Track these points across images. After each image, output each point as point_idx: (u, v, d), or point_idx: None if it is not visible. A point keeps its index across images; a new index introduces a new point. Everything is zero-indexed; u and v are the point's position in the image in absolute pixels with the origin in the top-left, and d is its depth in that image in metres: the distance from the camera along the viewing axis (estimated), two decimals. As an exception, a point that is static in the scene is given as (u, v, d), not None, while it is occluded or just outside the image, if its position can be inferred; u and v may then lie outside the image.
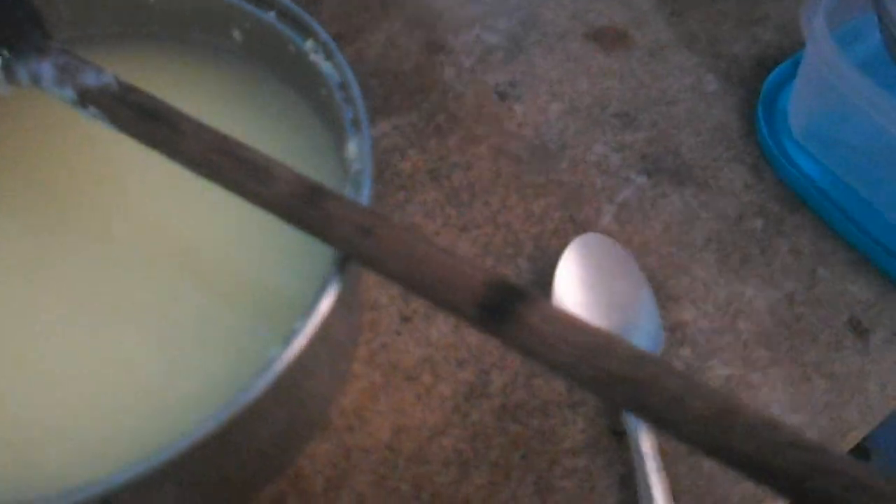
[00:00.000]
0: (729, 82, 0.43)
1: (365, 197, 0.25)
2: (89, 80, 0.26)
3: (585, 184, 0.39)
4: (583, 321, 0.22)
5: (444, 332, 0.35)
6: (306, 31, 0.30)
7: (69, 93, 0.26)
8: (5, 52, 0.27)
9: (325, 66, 0.29)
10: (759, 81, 0.42)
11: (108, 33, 0.34)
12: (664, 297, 0.35)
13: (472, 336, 0.34)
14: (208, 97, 0.33)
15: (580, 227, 0.37)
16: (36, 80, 0.26)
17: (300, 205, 0.23)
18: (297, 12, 0.30)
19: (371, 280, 0.35)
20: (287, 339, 0.23)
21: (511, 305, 0.22)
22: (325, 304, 0.23)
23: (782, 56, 0.44)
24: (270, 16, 0.31)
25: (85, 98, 0.25)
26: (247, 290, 0.29)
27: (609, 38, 0.44)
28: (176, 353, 0.28)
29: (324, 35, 0.29)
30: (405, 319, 0.35)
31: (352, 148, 0.27)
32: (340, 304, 0.24)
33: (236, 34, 0.33)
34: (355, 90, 0.28)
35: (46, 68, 0.26)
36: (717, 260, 0.37)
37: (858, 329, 0.35)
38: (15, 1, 0.28)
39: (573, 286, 0.34)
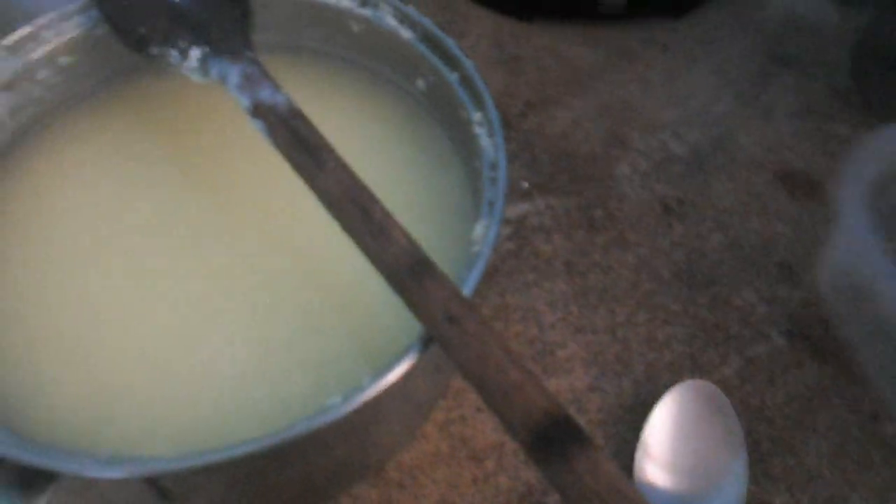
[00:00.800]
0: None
1: (471, 281, 0.25)
2: (265, 94, 0.27)
3: (720, 326, 0.37)
4: (633, 491, 0.21)
5: (524, 426, 0.34)
6: (479, 103, 0.30)
7: (245, 101, 0.27)
8: (207, 49, 0.29)
9: (485, 141, 0.30)
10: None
11: (307, 47, 0.36)
12: (760, 472, 0.33)
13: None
14: (373, 125, 0.35)
15: (698, 370, 0.36)
16: (223, 79, 0.28)
17: (404, 274, 0.23)
18: (477, 83, 0.30)
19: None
20: (367, 383, 0.23)
21: (564, 445, 0.21)
22: (411, 360, 0.24)
23: None
24: (454, 77, 0.31)
25: (256, 110, 0.27)
26: (351, 317, 0.30)
27: (800, 184, 0.41)
28: (264, 356, 0.29)
29: (493, 113, 0.29)
30: (491, 400, 0.35)
31: (479, 229, 0.27)
32: (428, 365, 0.24)
33: (420, 83, 0.34)
34: (503, 175, 0.28)
35: (234, 73, 0.28)
36: (833, 453, 0.34)
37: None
38: (231, 8, 0.31)
39: (665, 430, 0.32)
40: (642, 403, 0.34)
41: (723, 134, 0.43)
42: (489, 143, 0.29)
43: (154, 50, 0.31)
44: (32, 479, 0.23)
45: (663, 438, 0.32)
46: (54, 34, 0.33)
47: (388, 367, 0.24)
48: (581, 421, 0.34)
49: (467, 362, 0.23)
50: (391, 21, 0.33)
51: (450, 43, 0.32)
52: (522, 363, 0.23)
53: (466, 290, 0.25)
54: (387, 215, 0.25)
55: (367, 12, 0.34)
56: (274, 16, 0.35)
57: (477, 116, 0.30)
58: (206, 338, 0.29)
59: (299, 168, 0.26)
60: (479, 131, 0.30)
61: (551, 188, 0.40)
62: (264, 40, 0.36)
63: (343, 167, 0.26)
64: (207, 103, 0.34)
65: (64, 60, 0.34)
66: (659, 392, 0.34)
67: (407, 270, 0.24)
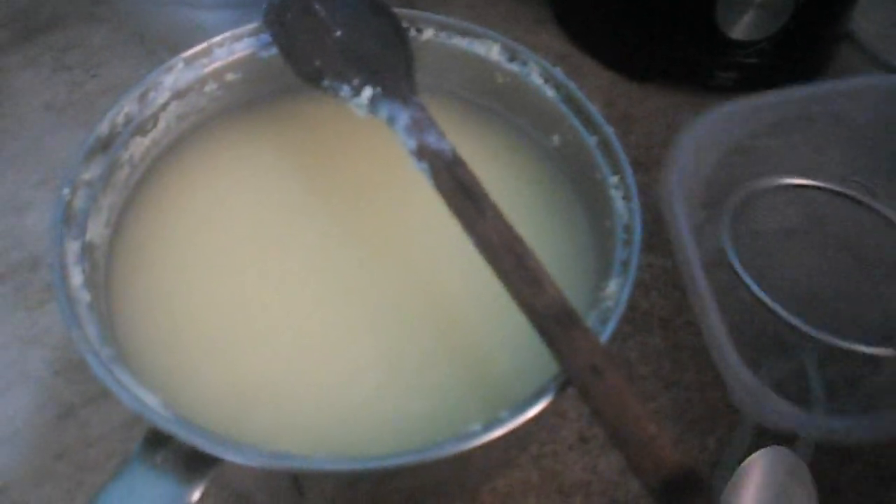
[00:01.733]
0: None
1: (606, 335, 0.28)
2: (431, 140, 0.30)
3: (803, 398, 0.39)
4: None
5: (612, 468, 0.36)
6: (616, 167, 0.33)
7: (411, 143, 0.30)
8: (379, 90, 0.32)
9: (620, 204, 0.32)
10: None
11: (451, 90, 0.39)
12: (832, 543, 0.35)
13: (635, 484, 0.36)
14: (506, 174, 0.37)
15: (780, 433, 0.37)
16: (391, 121, 0.31)
17: (552, 324, 0.26)
18: (616, 149, 0.33)
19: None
20: (506, 416, 0.26)
21: (691, 496, 0.23)
22: (548, 401, 0.26)
23: None
24: (592, 140, 0.34)
25: (421, 153, 0.30)
26: (474, 355, 0.32)
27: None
28: (396, 375, 0.31)
29: (630, 178, 0.32)
30: (583, 440, 0.37)
31: (612, 286, 0.30)
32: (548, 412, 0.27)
33: (556, 139, 0.36)
34: (637, 237, 0.30)
35: (403, 116, 0.31)
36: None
37: None
38: (399, 53, 0.33)
39: (747, 495, 0.34)
40: (725, 462, 0.36)
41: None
42: (624, 206, 0.32)
43: (326, 83, 0.33)
44: (198, 461, 0.26)
45: (744, 499, 0.34)
46: (226, 52, 0.36)
47: (528, 403, 0.26)
48: (664, 471, 0.36)
49: (606, 412, 0.25)
50: (537, 79, 0.36)
51: (592, 108, 0.34)
52: (656, 418, 0.25)
53: (603, 341, 0.28)
54: (539, 266, 0.27)
55: (514, 67, 0.36)
56: (425, 59, 0.38)
57: (613, 180, 0.33)
58: (344, 350, 0.32)
59: (459, 212, 0.29)
60: (615, 194, 0.32)
61: (652, 246, 0.43)
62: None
63: (501, 217, 0.28)
64: (357, 132, 0.37)
65: (230, 76, 0.37)
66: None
67: (555, 320, 0.26)
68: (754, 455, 0.35)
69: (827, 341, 0.37)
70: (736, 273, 0.39)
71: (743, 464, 0.35)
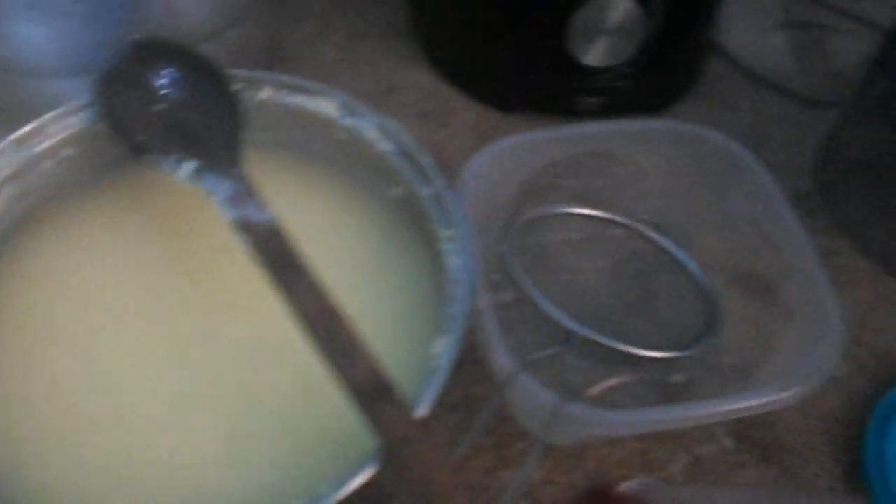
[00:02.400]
0: (861, 372, 0.42)
1: (428, 397, 0.28)
2: (250, 211, 0.30)
3: (672, 424, 0.39)
4: None
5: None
6: (449, 221, 0.33)
7: (231, 215, 0.30)
8: (199, 163, 0.32)
9: (452, 259, 0.32)
10: (892, 383, 0.41)
11: (292, 146, 0.38)
12: (698, 570, 0.35)
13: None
14: (348, 228, 0.37)
15: (648, 466, 0.38)
16: (211, 193, 0.31)
17: (363, 395, 0.26)
18: (448, 202, 0.33)
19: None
20: (325, 491, 0.26)
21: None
22: (367, 475, 0.26)
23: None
24: (427, 192, 0.34)
25: (241, 225, 0.30)
26: (322, 420, 0.32)
27: (753, 285, 0.44)
28: (239, 450, 0.31)
29: (464, 232, 0.32)
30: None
31: (439, 345, 0.30)
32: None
33: (396, 192, 0.36)
34: (466, 294, 0.30)
35: (223, 188, 0.30)
36: (769, 554, 0.36)
37: None
38: (225, 121, 0.33)
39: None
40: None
41: (685, 234, 0.45)
42: (455, 261, 0.32)
43: (150, 157, 0.33)
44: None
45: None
46: (60, 128, 0.36)
47: (346, 478, 0.26)
48: (535, 512, 0.36)
49: (416, 484, 0.25)
50: (372, 133, 0.36)
51: (426, 160, 0.34)
52: (464, 490, 0.25)
53: (423, 406, 0.28)
54: (352, 338, 0.27)
55: (350, 122, 0.36)
56: (266, 117, 0.38)
57: (447, 234, 0.33)
58: (185, 426, 0.31)
59: (276, 285, 0.28)
60: (448, 248, 0.32)
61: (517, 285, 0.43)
62: (252, 138, 0.38)
63: (316, 288, 0.28)
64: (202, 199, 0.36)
65: (66, 152, 0.36)
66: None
67: (366, 393, 0.26)
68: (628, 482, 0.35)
69: (590, 337, 0.38)
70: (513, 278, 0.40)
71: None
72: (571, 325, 0.39)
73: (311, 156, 0.38)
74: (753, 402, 0.34)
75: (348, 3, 0.56)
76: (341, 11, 0.55)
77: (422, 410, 0.27)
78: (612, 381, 0.41)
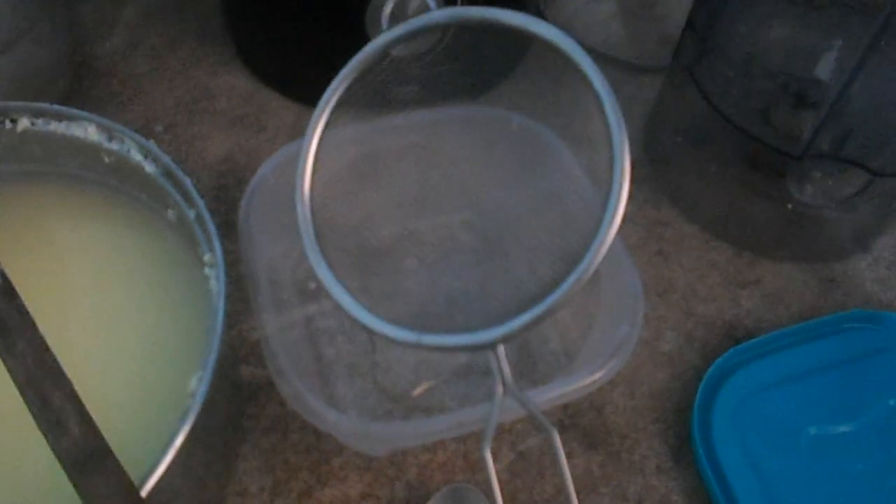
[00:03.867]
0: (689, 345, 0.41)
1: (179, 438, 0.26)
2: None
3: (495, 420, 0.38)
4: None
5: (297, 540, 0.35)
6: (210, 243, 0.31)
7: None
8: None
9: (213, 284, 0.30)
10: (721, 352, 0.40)
11: (67, 173, 0.36)
12: (521, 570, 0.34)
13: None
14: (123, 252, 0.35)
15: (469, 467, 0.37)
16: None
17: (74, 466, 0.24)
18: (207, 222, 0.31)
19: (245, 467, 0.36)
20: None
21: None
22: None
23: (757, 330, 0.42)
24: (191, 214, 0.32)
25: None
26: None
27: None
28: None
29: (220, 256, 0.30)
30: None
31: (194, 381, 0.28)
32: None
33: (171, 213, 0.34)
34: (219, 325, 0.29)
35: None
36: (595, 544, 0.35)
37: None
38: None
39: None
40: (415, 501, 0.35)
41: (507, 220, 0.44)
42: (216, 285, 0.30)
43: None
44: None
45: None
46: None
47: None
48: (354, 530, 0.35)
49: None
50: (137, 155, 0.34)
51: (187, 181, 0.32)
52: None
53: (168, 453, 0.26)
54: (68, 402, 0.25)
55: (114, 146, 0.34)
56: (32, 147, 0.35)
57: (207, 257, 0.31)
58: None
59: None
60: (210, 272, 0.31)
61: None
62: (26, 169, 0.36)
63: (34, 350, 0.26)
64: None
65: None
66: (431, 494, 0.35)
67: (76, 463, 0.24)
68: (432, 498, 0.34)
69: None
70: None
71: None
72: (388, 330, 0.37)
73: (88, 181, 0.36)
74: (565, 389, 0.34)
75: (161, 9, 0.53)
76: (153, 19, 0.53)
77: (174, 448, 0.26)
78: (435, 381, 0.40)
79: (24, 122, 0.35)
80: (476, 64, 0.49)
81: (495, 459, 0.37)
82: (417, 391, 0.39)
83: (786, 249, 0.45)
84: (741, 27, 0.44)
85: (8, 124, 0.35)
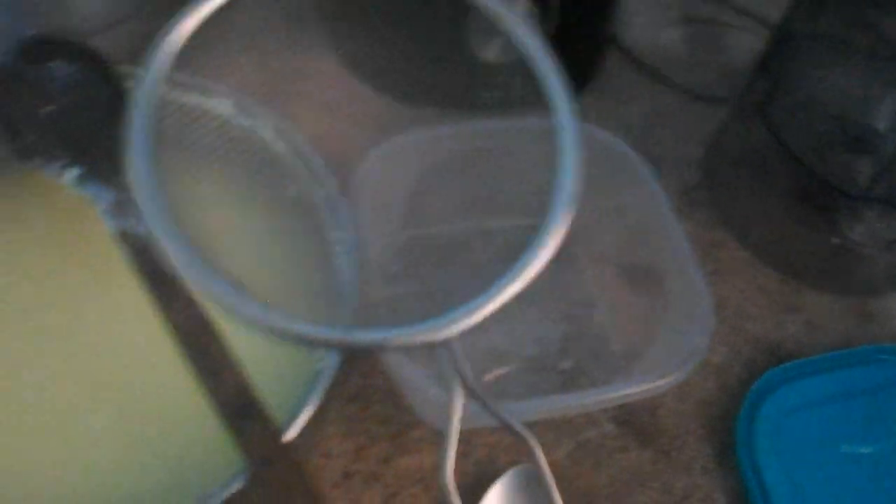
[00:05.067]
0: (737, 359, 0.45)
1: (314, 397, 0.29)
2: (131, 223, 0.30)
3: (557, 411, 0.41)
4: None
5: (375, 501, 0.38)
6: (340, 222, 0.34)
7: (112, 225, 0.30)
8: (83, 170, 0.32)
9: (342, 260, 0.33)
10: (766, 369, 0.43)
11: (192, 145, 0.39)
12: (579, 549, 0.37)
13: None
14: (246, 225, 0.38)
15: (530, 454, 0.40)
16: (95, 200, 0.31)
17: (229, 413, 0.27)
18: (338, 203, 0.34)
19: (330, 431, 0.39)
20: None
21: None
22: (236, 488, 0.27)
23: (798, 353, 0.45)
24: (321, 194, 0.35)
25: (122, 236, 0.30)
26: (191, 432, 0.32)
27: (639, 276, 0.46)
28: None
29: (351, 234, 0.33)
30: (346, 476, 0.38)
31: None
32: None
33: (293, 191, 0.37)
34: (353, 298, 0.32)
35: (106, 198, 0.31)
36: (645, 532, 0.39)
37: None
38: (112, 127, 0.33)
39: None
40: (482, 483, 0.38)
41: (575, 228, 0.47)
42: (345, 261, 0.33)
43: (36, 161, 0.33)
44: None
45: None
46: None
47: (230, 481, 0.27)
48: (426, 498, 0.38)
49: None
50: (268, 133, 0.36)
51: (317, 161, 0.35)
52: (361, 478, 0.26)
53: (307, 408, 0.29)
54: (224, 354, 0.28)
55: (244, 122, 0.37)
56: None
57: (336, 235, 0.34)
58: (74, 432, 0.32)
59: (152, 298, 0.29)
60: (339, 250, 0.34)
61: (418, 275, 0.44)
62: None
63: (192, 304, 0.29)
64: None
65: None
66: (498, 473, 0.38)
67: (233, 410, 0.27)
68: (499, 479, 0.37)
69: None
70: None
71: (489, 489, 0.37)
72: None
73: (207, 154, 0.39)
74: (632, 390, 0.37)
75: (253, -11, 0.56)
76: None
77: (308, 410, 0.29)
78: (504, 370, 0.43)
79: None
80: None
81: (556, 448, 0.40)
82: (488, 377, 0.42)
83: (828, 281, 0.48)
84: (809, 70, 0.48)
85: (143, 91, 0.37)
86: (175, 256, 0.25)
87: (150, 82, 0.28)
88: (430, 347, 0.27)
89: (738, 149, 0.50)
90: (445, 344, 0.27)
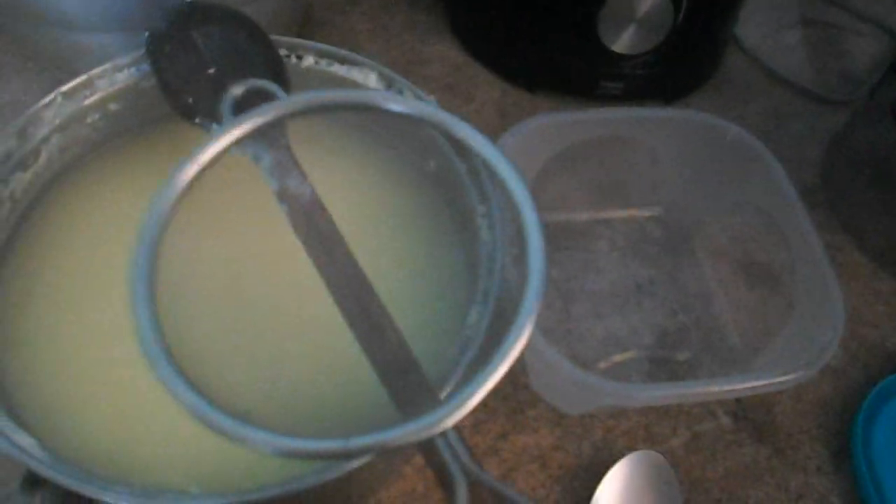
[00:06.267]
0: (853, 364, 0.44)
1: (462, 366, 0.30)
2: (292, 182, 0.31)
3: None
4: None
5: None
6: (483, 196, 0.34)
7: (274, 184, 0.31)
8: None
9: (486, 233, 0.34)
10: (883, 375, 0.43)
11: (334, 117, 0.40)
12: (694, 538, 0.38)
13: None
14: (383, 195, 0.38)
15: (650, 439, 0.40)
16: (256, 160, 0.32)
17: (390, 370, 0.27)
18: (483, 177, 0.34)
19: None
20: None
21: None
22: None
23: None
24: (463, 167, 0.35)
25: (282, 194, 0.31)
26: (349, 385, 0.33)
27: (757, 273, 0.46)
28: (270, 408, 0.33)
29: (496, 208, 0.33)
30: (465, 448, 0.39)
31: (473, 315, 0.31)
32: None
33: (432, 164, 0.37)
34: (498, 267, 0.32)
35: (268, 157, 0.32)
36: (759, 526, 0.38)
37: None
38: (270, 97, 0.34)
39: (614, 495, 0.37)
40: (598, 465, 0.39)
41: (695, 221, 0.47)
42: (489, 235, 0.33)
43: (197, 119, 0.34)
44: (74, 500, 0.27)
45: (612, 502, 0.37)
46: (107, 83, 0.37)
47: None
48: (542, 475, 0.38)
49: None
50: (412, 106, 0.37)
51: (465, 135, 0.36)
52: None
53: (457, 374, 0.29)
54: (383, 314, 0.28)
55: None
56: (309, 85, 0.38)
57: (481, 209, 0.34)
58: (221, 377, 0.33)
59: (312, 255, 0.30)
60: (482, 222, 0.34)
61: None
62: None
63: (351, 263, 0.29)
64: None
65: (113, 107, 0.37)
66: (614, 457, 0.38)
67: (393, 368, 0.28)
68: (622, 458, 0.37)
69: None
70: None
71: (610, 470, 0.37)
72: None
73: (350, 126, 0.40)
74: (755, 383, 0.36)
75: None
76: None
77: (458, 374, 0.29)
78: (622, 357, 0.43)
79: (308, 60, 0.38)
80: (677, 70, 0.52)
81: (672, 437, 0.40)
82: (605, 364, 0.42)
83: (949, 291, 0.47)
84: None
85: (294, 59, 0.38)
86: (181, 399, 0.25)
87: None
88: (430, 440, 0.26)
89: (862, 152, 0.49)
90: (443, 435, 0.26)
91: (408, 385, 0.28)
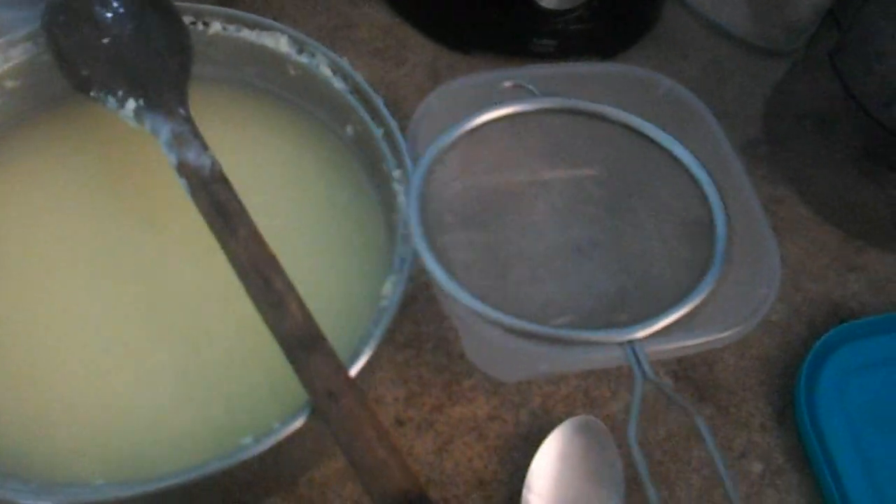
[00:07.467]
0: (797, 317, 0.43)
1: (376, 336, 0.28)
2: (191, 155, 0.29)
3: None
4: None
5: (428, 449, 0.37)
6: (400, 161, 0.33)
7: (172, 158, 0.30)
8: (141, 102, 0.31)
9: (402, 199, 0.32)
10: (827, 328, 0.42)
11: (248, 82, 0.38)
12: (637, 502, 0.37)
13: (450, 463, 0.37)
14: (302, 163, 0.37)
15: (590, 403, 0.39)
16: (154, 133, 0.30)
17: (294, 346, 0.26)
18: (399, 141, 0.33)
19: (380, 377, 0.38)
20: (277, 428, 0.26)
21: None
22: (287, 432, 0.26)
23: (861, 313, 0.44)
24: (379, 132, 0.34)
25: (181, 168, 0.29)
26: (265, 359, 0.32)
27: (701, 229, 0.45)
28: (186, 389, 0.31)
29: (411, 172, 0.32)
30: (399, 423, 0.38)
31: (388, 285, 0.30)
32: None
33: (350, 130, 0.36)
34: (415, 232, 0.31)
35: (165, 130, 0.30)
36: (703, 486, 0.38)
37: None
38: (171, 61, 0.32)
39: (551, 463, 0.36)
40: (537, 433, 0.38)
41: (636, 180, 0.46)
42: (404, 200, 0.32)
43: (93, 93, 0.32)
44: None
45: (548, 471, 0.36)
46: (1, 60, 0.35)
47: (295, 415, 0.27)
48: (479, 446, 0.37)
49: (341, 436, 0.26)
50: (326, 70, 0.36)
51: (378, 100, 0.34)
52: (390, 442, 0.26)
53: (371, 345, 0.28)
54: (288, 288, 0.27)
55: (303, 59, 0.36)
56: (218, 52, 0.37)
57: (397, 174, 0.33)
58: (136, 364, 0.32)
59: (214, 230, 0.28)
60: (398, 188, 0.33)
61: (475, 223, 0.43)
62: (208, 73, 0.38)
63: (254, 236, 0.28)
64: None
65: (9, 84, 0.35)
66: (553, 424, 0.37)
67: (297, 343, 0.26)
68: (559, 425, 0.36)
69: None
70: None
71: (546, 437, 0.36)
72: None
73: (265, 92, 0.38)
74: (693, 342, 0.36)
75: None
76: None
77: (370, 347, 0.28)
78: (560, 321, 0.42)
79: (215, 27, 0.37)
80: (612, 24, 0.51)
81: (613, 401, 0.39)
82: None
83: (893, 240, 0.46)
84: (880, 22, 0.46)
85: (200, 26, 0.37)
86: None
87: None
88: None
89: (803, 102, 0.48)
90: (632, 343, 0.33)
91: (312, 361, 0.26)
